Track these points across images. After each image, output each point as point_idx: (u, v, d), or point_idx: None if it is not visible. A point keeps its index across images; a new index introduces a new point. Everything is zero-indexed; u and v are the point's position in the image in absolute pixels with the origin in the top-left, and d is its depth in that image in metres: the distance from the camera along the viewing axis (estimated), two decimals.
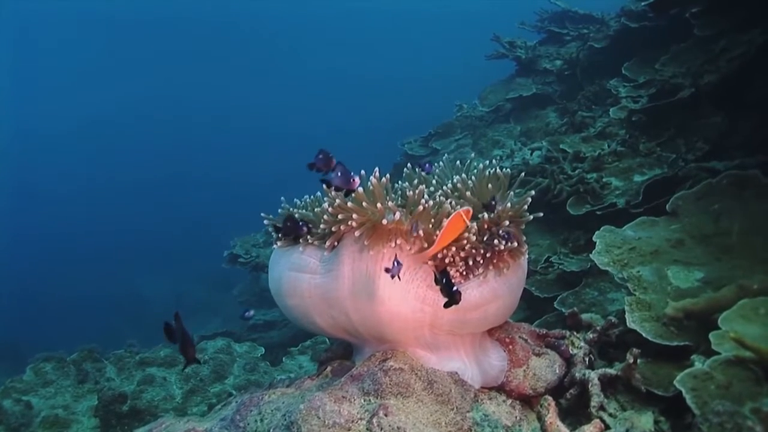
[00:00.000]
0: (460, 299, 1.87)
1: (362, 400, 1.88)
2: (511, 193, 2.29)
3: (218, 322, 9.87)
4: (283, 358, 5.96)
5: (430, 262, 2.11)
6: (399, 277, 1.96)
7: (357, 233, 2.03)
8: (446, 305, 1.89)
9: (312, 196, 2.38)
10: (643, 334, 2.27)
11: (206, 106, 30.00)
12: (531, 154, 5.57)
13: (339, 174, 1.92)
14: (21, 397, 5.04)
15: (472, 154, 2.60)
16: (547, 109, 6.89)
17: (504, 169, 2.36)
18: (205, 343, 6.09)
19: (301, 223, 2.17)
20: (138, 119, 29.44)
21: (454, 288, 1.87)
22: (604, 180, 4.55)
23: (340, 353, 2.45)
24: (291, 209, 2.35)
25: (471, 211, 2.04)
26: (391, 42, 32.21)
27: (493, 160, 2.44)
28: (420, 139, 7.80)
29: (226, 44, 31.69)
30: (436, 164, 2.57)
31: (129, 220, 20.34)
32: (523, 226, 2.25)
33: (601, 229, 2.91)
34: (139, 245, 17.24)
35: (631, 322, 2.34)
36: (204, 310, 11.46)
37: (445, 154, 2.76)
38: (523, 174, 2.59)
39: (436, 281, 1.95)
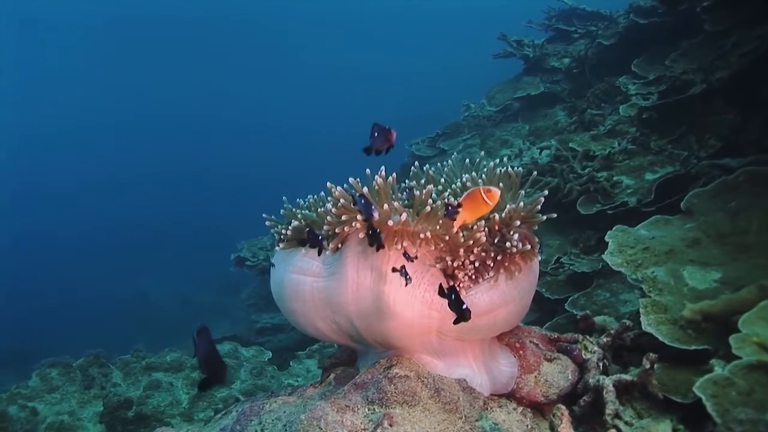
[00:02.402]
0: (470, 317, 1.78)
1: (366, 410, 1.80)
2: (522, 192, 2.21)
3: (227, 325, 9.84)
4: (291, 362, 5.93)
5: (438, 266, 2.04)
6: (407, 280, 1.88)
7: (361, 235, 1.96)
8: (456, 322, 1.80)
9: (315, 196, 2.31)
10: (659, 338, 2.19)
11: (211, 105, 29.84)
12: (540, 153, 5.50)
13: (363, 202, 1.85)
14: (26, 403, 5.03)
15: (482, 153, 2.52)
16: (555, 108, 6.82)
17: (515, 168, 2.29)
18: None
19: (321, 237, 2.07)
20: (142, 119, 29.30)
21: (464, 306, 1.78)
22: (614, 179, 4.50)
23: (345, 359, 2.37)
24: (294, 209, 2.28)
25: (495, 193, 1.91)
26: (396, 41, 32.10)
27: (504, 159, 2.36)
28: (427, 139, 7.74)
29: (230, 39, 31.56)
30: (444, 163, 2.49)
31: (135, 222, 20.29)
32: (536, 227, 2.17)
33: (614, 228, 2.83)
34: (146, 247, 17.22)
35: (647, 325, 2.25)
36: (212, 314, 11.44)
37: (454, 153, 2.68)
38: (535, 173, 2.50)
39: (441, 294, 1.86)
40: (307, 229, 2.10)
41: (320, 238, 2.05)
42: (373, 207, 1.85)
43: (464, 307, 1.78)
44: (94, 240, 18.75)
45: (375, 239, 1.86)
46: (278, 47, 32.86)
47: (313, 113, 28.54)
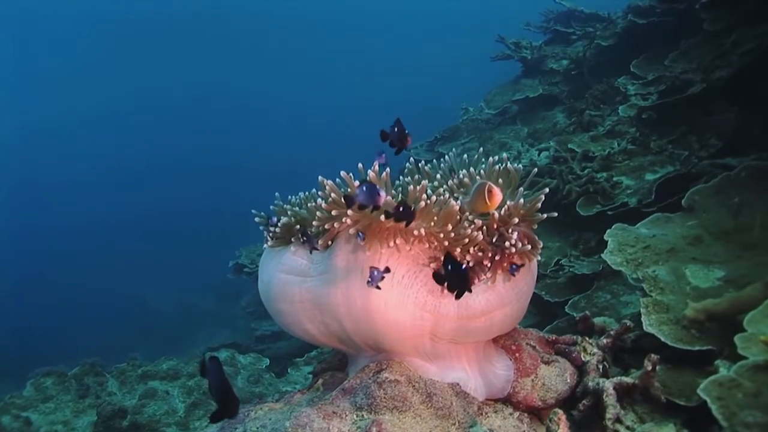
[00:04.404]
0: (472, 280, 1.71)
1: (354, 416, 1.73)
2: (522, 190, 2.13)
3: (227, 334, 9.78)
4: (288, 369, 5.87)
5: (432, 265, 1.96)
6: (379, 287, 1.82)
7: (351, 231, 1.89)
8: (457, 296, 1.73)
9: (307, 192, 2.24)
10: (662, 338, 2.12)
11: (213, 107, 29.43)
12: (538, 155, 5.44)
13: (365, 189, 1.78)
14: (20, 414, 4.98)
15: (480, 149, 2.45)
16: (554, 110, 6.76)
17: (516, 165, 2.22)
18: (209, 354, 6.01)
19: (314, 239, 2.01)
20: (142, 123, 28.88)
21: (463, 266, 1.71)
22: (614, 179, 4.43)
23: (336, 364, 2.29)
24: (284, 206, 2.21)
25: (495, 194, 1.85)
26: (393, 43, 31.91)
27: (504, 154, 2.29)
28: (426, 143, 7.68)
29: (229, 33, 31.15)
30: (441, 159, 2.42)
31: (134, 226, 20.14)
32: (535, 226, 2.09)
33: (613, 227, 2.76)
34: (145, 253, 17.09)
35: (648, 325, 2.18)
36: (213, 322, 11.38)
37: (453, 149, 2.61)
38: (535, 169, 2.43)
39: (438, 278, 1.79)
40: (299, 228, 2.04)
41: (314, 240, 1.99)
42: (378, 189, 1.77)
43: (464, 267, 1.74)
44: (93, 245, 18.61)
45: (406, 215, 1.79)
46: (265, 46, 32.48)
47: (311, 115, 28.32)
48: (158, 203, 21.73)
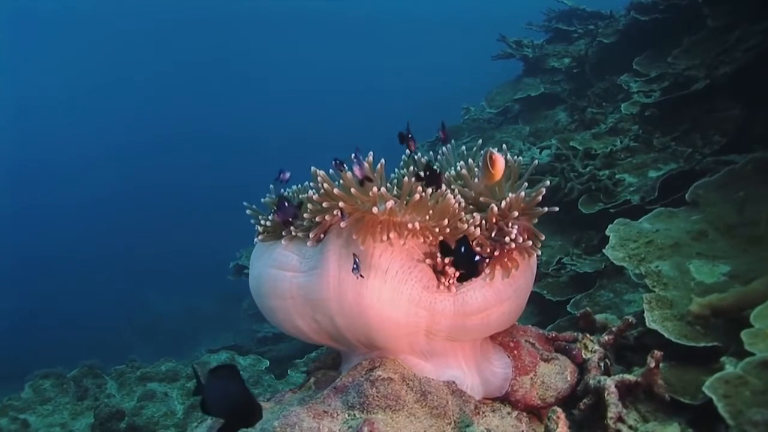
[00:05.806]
0: (483, 270, 1.67)
1: (346, 415, 1.67)
2: (526, 184, 2.07)
3: (229, 336, 9.74)
4: (288, 371, 5.82)
5: (428, 261, 1.91)
6: (361, 275, 1.78)
7: (343, 224, 1.83)
8: (460, 279, 1.68)
9: (299, 186, 2.19)
10: (665, 335, 2.06)
11: (214, 110, 29.26)
12: (540, 153, 5.38)
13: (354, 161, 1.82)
14: (18, 416, 4.95)
15: (479, 141, 2.40)
16: (556, 109, 6.72)
17: (516, 157, 2.16)
18: (208, 356, 6.00)
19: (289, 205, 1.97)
20: (144, 121, 28.62)
21: (476, 258, 1.68)
22: (617, 177, 4.38)
23: (329, 363, 2.23)
24: (276, 198, 2.16)
25: (497, 159, 1.82)
26: (392, 44, 31.90)
27: (504, 146, 2.23)
28: (426, 143, 7.63)
29: (225, 39, 31.10)
30: (440, 152, 2.37)
31: (136, 230, 20.08)
32: (536, 220, 2.03)
33: (615, 222, 2.70)
34: (148, 257, 17.05)
35: (651, 321, 2.12)
36: (214, 324, 11.34)
37: (452, 140, 2.55)
38: (536, 162, 2.36)
39: (446, 252, 1.75)
40: (276, 198, 2.00)
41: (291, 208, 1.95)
42: (361, 158, 1.78)
43: (476, 259, 1.70)
44: (92, 244, 18.53)
45: (432, 180, 1.79)
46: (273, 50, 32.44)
47: (307, 118, 28.22)
48: (159, 203, 21.70)
